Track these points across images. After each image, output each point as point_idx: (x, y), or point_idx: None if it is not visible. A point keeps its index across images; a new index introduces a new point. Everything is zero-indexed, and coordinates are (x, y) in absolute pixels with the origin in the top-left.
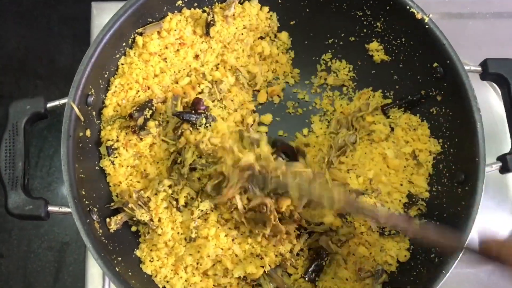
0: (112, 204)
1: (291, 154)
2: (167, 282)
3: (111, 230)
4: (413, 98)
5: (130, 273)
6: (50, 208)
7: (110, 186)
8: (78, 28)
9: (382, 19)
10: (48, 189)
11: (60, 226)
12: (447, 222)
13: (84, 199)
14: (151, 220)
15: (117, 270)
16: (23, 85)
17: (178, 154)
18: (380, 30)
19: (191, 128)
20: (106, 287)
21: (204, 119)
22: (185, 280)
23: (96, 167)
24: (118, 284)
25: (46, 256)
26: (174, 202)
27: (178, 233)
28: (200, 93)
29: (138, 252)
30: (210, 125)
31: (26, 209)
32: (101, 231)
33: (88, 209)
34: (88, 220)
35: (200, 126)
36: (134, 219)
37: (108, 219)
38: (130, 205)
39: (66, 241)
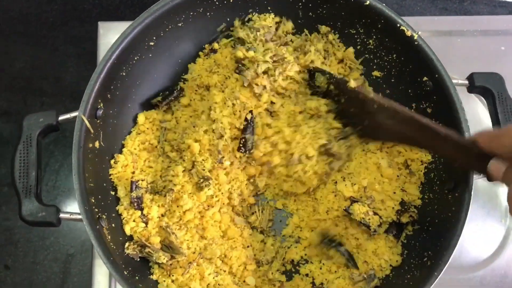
0: (127, 246)
1: None
2: None
3: (126, 252)
4: None
5: (137, 277)
6: (62, 215)
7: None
8: (83, 48)
9: (374, 37)
10: (54, 202)
11: (66, 238)
12: (438, 227)
13: (93, 207)
14: (172, 258)
15: (125, 273)
16: (30, 102)
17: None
18: (372, 47)
19: None
20: None
21: None
22: None
23: (105, 177)
24: (126, 287)
25: (52, 268)
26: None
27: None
28: None
29: (153, 277)
30: None
31: (39, 216)
32: (109, 237)
33: (97, 216)
34: (97, 226)
35: None
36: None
37: (127, 244)
38: (147, 250)
39: (71, 252)
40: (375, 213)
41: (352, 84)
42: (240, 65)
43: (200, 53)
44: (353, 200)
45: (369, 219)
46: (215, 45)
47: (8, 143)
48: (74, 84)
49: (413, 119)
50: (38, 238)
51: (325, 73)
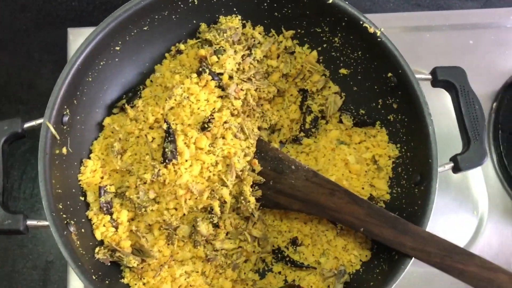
0: (97, 251)
1: None
2: None
3: (96, 257)
4: (367, 119)
5: (107, 282)
6: (29, 222)
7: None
8: (57, 54)
9: (339, 35)
10: (32, 209)
11: (44, 245)
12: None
13: (61, 213)
14: (143, 261)
15: (94, 278)
16: (5, 110)
17: None
18: (338, 45)
19: None
20: None
21: None
22: None
23: (73, 183)
24: None
25: (31, 275)
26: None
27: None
28: None
29: (124, 280)
30: None
31: (5, 223)
32: (78, 243)
33: (65, 222)
34: (65, 232)
35: None
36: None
37: (97, 249)
38: (118, 254)
39: (51, 259)
40: None
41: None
42: (203, 64)
43: (167, 54)
44: None
45: None
46: (181, 46)
47: None
48: (49, 91)
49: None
50: (16, 247)
51: None
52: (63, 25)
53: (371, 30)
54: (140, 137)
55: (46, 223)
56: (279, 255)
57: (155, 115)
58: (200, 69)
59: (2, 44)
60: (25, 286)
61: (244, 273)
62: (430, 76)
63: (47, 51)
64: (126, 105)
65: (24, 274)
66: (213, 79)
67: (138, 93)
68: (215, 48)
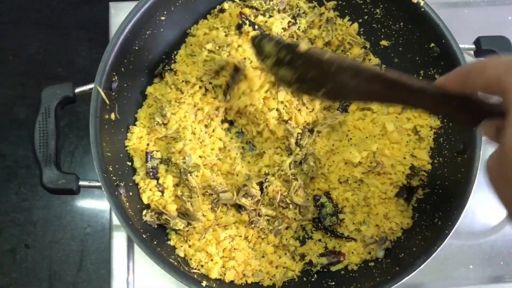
0: (144, 213)
1: None
2: (202, 266)
3: (144, 219)
4: None
5: (155, 242)
6: (81, 183)
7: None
8: (94, 32)
9: (381, 6)
10: None
11: (82, 218)
12: (448, 190)
13: (111, 175)
14: (189, 224)
15: (144, 237)
16: (44, 86)
17: None
18: (379, 16)
19: None
20: (131, 266)
21: None
22: (222, 266)
23: (121, 148)
24: (145, 249)
25: (70, 246)
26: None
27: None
28: None
29: (171, 242)
30: None
31: (59, 183)
32: (127, 204)
33: (115, 183)
34: (116, 193)
35: None
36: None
37: (145, 211)
38: (164, 217)
39: (88, 231)
40: None
41: (302, 47)
42: (243, 17)
43: (208, 15)
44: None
45: None
46: (225, 5)
47: (25, 126)
48: (87, 67)
49: (379, 76)
50: (55, 218)
51: (272, 39)
52: (99, 4)
53: (414, 0)
54: (182, 103)
55: (97, 183)
56: (319, 224)
57: (192, 74)
58: (240, 21)
59: (41, 22)
60: (64, 256)
61: (286, 239)
62: (473, 46)
63: (83, 29)
64: (162, 71)
65: (63, 245)
66: (254, 29)
67: (173, 57)
68: (261, 12)
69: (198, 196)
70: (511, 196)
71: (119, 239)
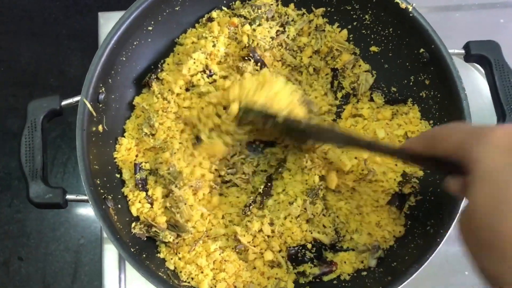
0: (133, 226)
1: None
2: (192, 279)
3: (133, 232)
4: (399, 97)
5: (144, 255)
6: (68, 196)
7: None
8: (85, 41)
9: (369, 12)
10: None
11: (76, 229)
12: (440, 197)
13: (99, 188)
14: (178, 236)
15: (132, 251)
16: (36, 96)
17: None
18: (368, 22)
19: None
20: (122, 277)
21: None
22: (212, 278)
23: (109, 160)
24: (134, 264)
25: (64, 258)
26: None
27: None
28: None
29: (160, 255)
30: None
31: (46, 197)
32: (116, 217)
33: (103, 197)
34: (103, 206)
35: None
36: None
37: (134, 224)
38: (153, 229)
39: (82, 242)
40: None
41: (280, 119)
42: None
43: (197, 24)
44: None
45: None
46: (213, 14)
47: (18, 138)
48: (78, 77)
49: (353, 140)
50: (49, 230)
51: (253, 111)
52: (91, 13)
53: (403, 5)
54: (169, 113)
55: (84, 197)
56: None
57: (178, 83)
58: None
59: (32, 32)
60: (58, 268)
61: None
62: (463, 51)
63: (75, 39)
64: (149, 80)
65: (57, 256)
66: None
67: (159, 66)
68: (250, 21)
69: (185, 204)
70: (477, 249)
71: (111, 251)
